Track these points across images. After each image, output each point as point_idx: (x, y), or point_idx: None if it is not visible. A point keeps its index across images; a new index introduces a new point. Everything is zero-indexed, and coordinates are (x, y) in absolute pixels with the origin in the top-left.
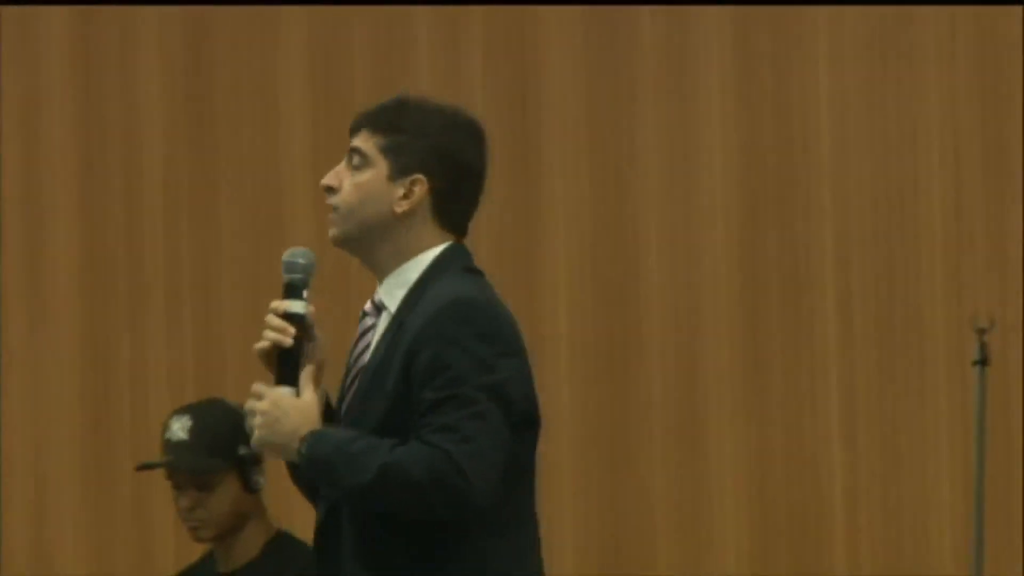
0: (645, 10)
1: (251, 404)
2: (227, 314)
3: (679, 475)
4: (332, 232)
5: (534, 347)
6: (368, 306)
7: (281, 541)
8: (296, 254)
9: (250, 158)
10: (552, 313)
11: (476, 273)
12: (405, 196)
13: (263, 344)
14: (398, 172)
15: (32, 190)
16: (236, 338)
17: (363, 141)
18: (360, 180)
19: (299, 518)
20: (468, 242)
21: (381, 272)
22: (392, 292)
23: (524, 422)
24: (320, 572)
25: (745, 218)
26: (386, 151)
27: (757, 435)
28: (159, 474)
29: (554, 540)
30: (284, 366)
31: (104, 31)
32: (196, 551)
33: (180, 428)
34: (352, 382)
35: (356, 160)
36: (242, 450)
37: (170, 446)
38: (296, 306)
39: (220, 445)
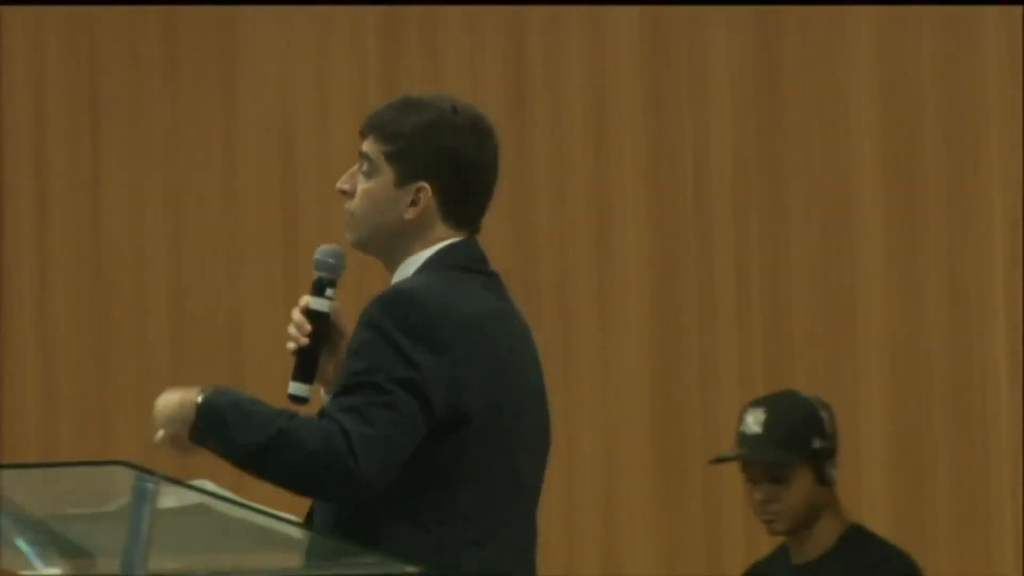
0: None
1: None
2: (796, 310)
3: None
4: (348, 237)
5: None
6: None
7: (856, 533)
8: (326, 252)
9: (820, 160)
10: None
11: (464, 271)
12: (412, 203)
13: (290, 344)
14: (403, 179)
15: (602, 190)
16: (804, 333)
17: (370, 147)
18: (368, 187)
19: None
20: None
21: (391, 270)
22: None
23: (451, 420)
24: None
25: None
26: (390, 158)
27: None
28: (729, 469)
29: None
30: (301, 362)
31: (673, 31)
32: (765, 545)
33: (754, 421)
34: None
35: (365, 166)
36: (816, 443)
37: (744, 439)
38: (317, 303)
39: (794, 438)
